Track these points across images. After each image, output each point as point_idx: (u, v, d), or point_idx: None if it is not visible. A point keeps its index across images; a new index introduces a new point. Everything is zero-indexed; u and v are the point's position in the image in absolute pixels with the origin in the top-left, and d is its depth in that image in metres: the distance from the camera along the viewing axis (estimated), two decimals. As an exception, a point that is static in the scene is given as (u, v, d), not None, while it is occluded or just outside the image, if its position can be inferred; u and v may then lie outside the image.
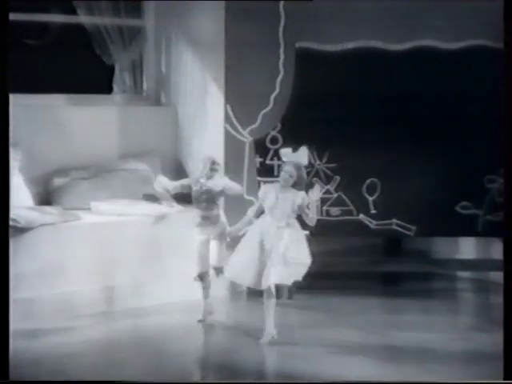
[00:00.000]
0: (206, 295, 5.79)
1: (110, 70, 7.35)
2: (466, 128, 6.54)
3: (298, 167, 5.32)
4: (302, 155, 5.37)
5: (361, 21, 6.51)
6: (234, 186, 5.77)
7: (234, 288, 6.62)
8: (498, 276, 6.96)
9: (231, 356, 5.15)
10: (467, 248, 7.33)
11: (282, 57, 6.50)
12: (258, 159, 6.60)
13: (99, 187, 6.72)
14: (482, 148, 6.53)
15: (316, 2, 6.45)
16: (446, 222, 6.59)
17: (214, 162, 5.72)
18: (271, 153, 6.60)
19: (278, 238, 5.27)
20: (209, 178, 5.71)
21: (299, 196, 5.30)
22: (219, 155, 6.61)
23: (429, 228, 6.65)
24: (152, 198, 6.65)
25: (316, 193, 5.33)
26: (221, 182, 5.73)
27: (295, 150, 5.38)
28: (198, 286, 5.82)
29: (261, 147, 6.59)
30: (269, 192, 5.38)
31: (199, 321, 5.77)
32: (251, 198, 6.52)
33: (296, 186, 5.33)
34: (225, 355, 5.20)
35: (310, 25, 6.50)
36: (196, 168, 7.28)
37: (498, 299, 6.70)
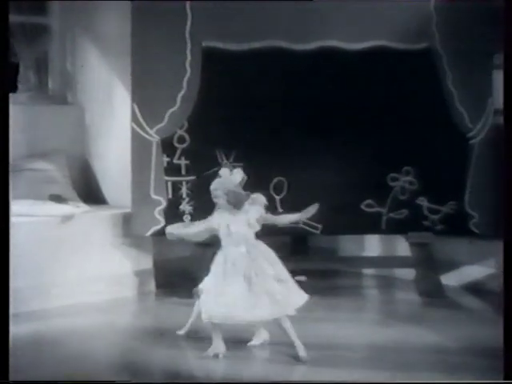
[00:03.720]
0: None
1: (15, 68, 7.24)
2: (370, 127, 6.63)
3: (225, 190, 5.10)
4: (231, 177, 5.21)
5: (267, 20, 6.54)
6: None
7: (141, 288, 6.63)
8: (401, 272, 7.13)
9: (138, 356, 5.14)
10: (372, 245, 7.46)
11: (188, 56, 6.49)
12: (166, 158, 6.58)
13: (4, 187, 6.62)
14: (385, 147, 6.64)
15: (222, 2, 6.46)
16: (352, 220, 6.68)
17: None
18: (178, 152, 6.59)
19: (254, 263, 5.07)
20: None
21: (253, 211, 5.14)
22: (126, 154, 6.60)
23: (335, 226, 6.73)
24: (58, 198, 6.58)
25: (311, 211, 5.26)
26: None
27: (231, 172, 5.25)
28: (102, 287, 5.78)
29: (168, 146, 6.57)
30: (220, 220, 5.12)
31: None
32: (158, 198, 6.51)
33: (235, 205, 5.11)
34: (131, 356, 5.19)
35: (216, 24, 6.51)
36: (103, 167, 7.28)
37: (402, 295, 6.89)
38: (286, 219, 5.39)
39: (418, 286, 6.75)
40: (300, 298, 5.17)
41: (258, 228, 5.14)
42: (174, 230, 5.35)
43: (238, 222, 5.08)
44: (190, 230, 5.31)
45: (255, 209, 5.15)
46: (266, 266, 5.12)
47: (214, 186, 5.13)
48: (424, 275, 6.72)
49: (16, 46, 7.11)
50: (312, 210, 5.32)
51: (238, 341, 5.26)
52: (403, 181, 6.70)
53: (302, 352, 5.08)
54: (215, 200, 5.12)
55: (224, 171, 5.23)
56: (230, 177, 5.19)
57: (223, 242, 5.10)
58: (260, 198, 5.24)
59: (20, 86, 7.29)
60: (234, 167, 6.52)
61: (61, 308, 6.06)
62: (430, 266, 6.72)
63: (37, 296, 6.10)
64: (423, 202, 6.70)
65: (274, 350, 5.25)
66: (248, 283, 5.01)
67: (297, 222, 5.38)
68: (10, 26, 6.98)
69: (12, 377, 4.62)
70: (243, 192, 5.17)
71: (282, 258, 6.99)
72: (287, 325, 5.12)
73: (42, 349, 5.30)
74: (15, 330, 5.51)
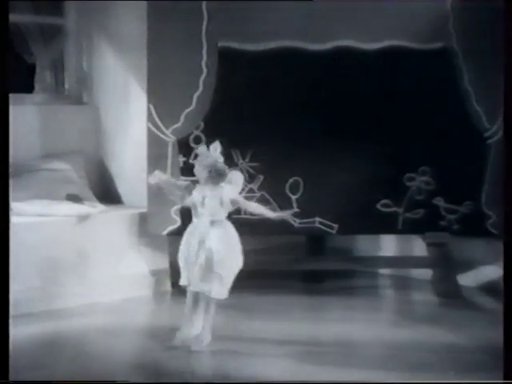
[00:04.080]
0: None
1: (31, 69, 7.26)
2: (386, 127, 6.62)
3: (206, 165, 5.18)
4: (214, 150, 5.30)
5: (283, 20, 6.54)
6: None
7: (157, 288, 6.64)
8: (418, 273, 7.11)
9: (155, 357, 5.14)
10: (388, 245, 7.44)
11: (204, 56, 6.50)
12: (182, 159, 6.59)
13: (20, 187, 6.62)
14: (401, 146, 6.62)
15: (238, 2, 6.46)
16: (368, 219, 6.66)
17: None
18: (194, 152, 6.60)
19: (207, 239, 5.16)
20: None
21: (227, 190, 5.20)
22: (142, 155, 6.61)
23: (351, 226, 6.72)
24: (74, 198, 6.59)
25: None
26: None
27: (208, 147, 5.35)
28: (118, 286, 5.79)
29: (184, 147, 6.58)
30: (198, 192, 5.23)
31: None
32: (174, 198, 6.52)
33: (215, 179, 5.19)
34: (148, 356, 5.19)
35: (232, 24, 6.51)
36: (119, 167, 7.29)
37: (418, 296, 6.87)
38: (257, 209, 5.39)
39: (434, 286, 6.73)
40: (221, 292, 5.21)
41: (230, 208, 5.22)
42: (160, 175, 5.40)
43: (213, 198, 5.16)
44: (172, 181, 5.50)
45: (231, 188, 5.22)
46: (221, 248, 5.14)
47: (196, 165, 5.24)
48: (441, 275, 6.70)
49: (32, 46, 7.13)
50: (287, 213, 5.50)
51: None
52: (420, 181, 6.68)
53: (205, 341, 5.16)
54: (198, 178, 5.23)
55: (201, 148, 5.28)
56: (208, 152, 5.22)
57: (196, 214, 5.20)
58: (236, 177, 5.29)
59: (36, 86, 7.31)
60: (251, 167, 6.57)
61: (77, 308, 6.07)
62: (446, 266, 6.70)
63: (53, 296, 6.11)
64: (440, 201, 6.67)
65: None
66: (206, 257, 5.11)
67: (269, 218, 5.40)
68: (27, 26, 7.07)
69: (31, 376, 4.66)
70: (223, 166, 5.22)
71: (298, 259, 7.07)
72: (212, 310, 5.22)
73: (59, 348, 5.31)
74: (32, 329, 5.57)
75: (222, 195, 5.17)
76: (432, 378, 4.69)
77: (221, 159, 5.21)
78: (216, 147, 5.23)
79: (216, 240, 5.15)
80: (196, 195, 5.21)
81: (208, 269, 5.14)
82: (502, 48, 4.32)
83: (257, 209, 5.42)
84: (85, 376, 4.70)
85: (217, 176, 5.18)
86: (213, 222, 5.17)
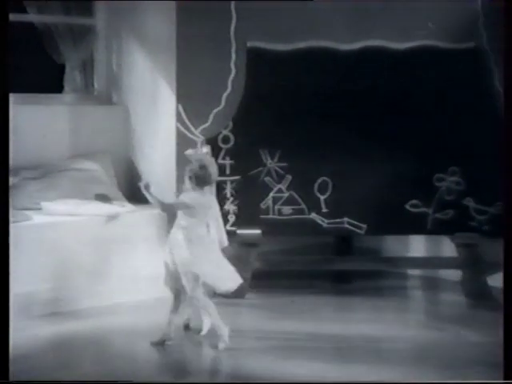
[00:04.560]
0: None
1: (61, 69, 7.30)
2: (416, 127, 6.59)
3: (201, 165, 5.25)
4: (204, 153, 5.34)
5: (312, 20, 6.53)
6: None
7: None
8: (447, 273, 7.07)
9: (182, 355, 5.15)
10: (417, 246, 7.40)
11: (233, 56, 6.50)
12: (210, 158, 6.59)
13: (50, 187, 6.67)
14: (431, 147, 6.60)
15: (267, 2, 6.46)
16: (397, 220, 6.64)
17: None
18: (223, 152, 6.61)
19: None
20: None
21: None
22: (171, 154, 6.62)
23: (380, 226, 6.70)
24: (103, 197, 6.62)
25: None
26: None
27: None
28: (146, 286, 5.80)
29: (213, 146, 6.56)
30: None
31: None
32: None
33: (204, 184, 5.25)
34: (175, 355, 5.20)
35: (261, 24, 6.51)
36: (148, 167, 7.31)
37: (447, 296, 6.83)
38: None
39: (464, 287, 6.69)
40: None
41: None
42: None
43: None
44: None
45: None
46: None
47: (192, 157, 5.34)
48: (470, 276, 6.66)
49: (62, 46, 7.16)
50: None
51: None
52: (449, 181, 6.65)
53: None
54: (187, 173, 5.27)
55: (188, 152, 5.39)
56: (195, 156, 5.32)
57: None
58: None
59: (66, 86, 7.34)
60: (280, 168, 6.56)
61: (104, 307, 6.08)
62: (476, 267, 6.65)
63: (82, 295, 6.13)
64: (470, 202, 6.63)
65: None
66: None
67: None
68: (57, 26, 7.11)
69: (58, 375, 4.68)
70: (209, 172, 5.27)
71: (326, 259, 7.06)
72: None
73: (87, 347, 5.33)
74: (59, 328, 5.60)
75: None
76: (459, 378, 4.67)
77: (204, 163, 5.25)
78: (202, 151, 5.31)
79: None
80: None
81: None
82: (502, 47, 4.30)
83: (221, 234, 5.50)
84: (107, 376, 4.71)
85: (199, 183, 5.23)
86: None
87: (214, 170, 5.31)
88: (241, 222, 6.57)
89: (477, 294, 6.58)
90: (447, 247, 6.94)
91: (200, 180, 5.23)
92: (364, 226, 6.67)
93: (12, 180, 6.64)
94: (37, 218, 6.20)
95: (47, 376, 4.66)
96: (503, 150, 4.23)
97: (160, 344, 5.28)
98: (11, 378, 4.12)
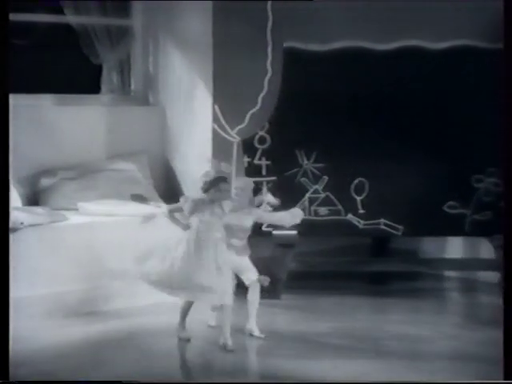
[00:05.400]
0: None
1: (98, 70, 7.33)
2: (454, 128, 6.55)
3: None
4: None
5: (347, 21, 6.51)
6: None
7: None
8: (485, 275, 7.01)
9: (216, 355, 5.15)
10: (455, 247, 7.34)
11: (269, 56, 6.48)
12: (246, 159, 6.60)
13: (87, 187, 6.71)
14: (469, 148, 6.55)
15: (304, 2, 6.45)
16: (434, 221, 6.60)
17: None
18: (259, 152, 6.60)
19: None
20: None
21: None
22: (207, 155, 6.62)
23: (416, 228, 6.66)
24: (140, 198, 6.64)
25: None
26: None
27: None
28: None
29: (249, 147, 6.58)
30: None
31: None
32: (239, 198, 6.52)
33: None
34: (210, 355, 5.20)
35: (297, 24, 6.49)
36: (184, 168, 7.32)
37: (485, 298, 6.77)
38: None
39: (502, 289, 6.62)
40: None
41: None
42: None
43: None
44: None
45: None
46: None
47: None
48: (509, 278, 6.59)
49: (99, 47, 7.20)
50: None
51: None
52: (488, 182, 6.59)
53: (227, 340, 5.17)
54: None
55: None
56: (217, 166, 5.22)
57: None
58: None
59: (103, 87, 7.38)
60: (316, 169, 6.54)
61: (141, 307, 6.10)
62: (514, 269, 6.59)
63: (118, 295, 6.15)
64: (508, 203, 6.56)
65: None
66: None
67: None
68: (95, 28, 7.15)
69: (94, 375, 4.70)
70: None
71: (362, 260, 7.03)
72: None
73: (121, 347, 5.34)
74: (96, 328, 5.62)
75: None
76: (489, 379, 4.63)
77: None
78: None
79: None
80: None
81: None
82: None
83: None
84: (147, 376, 4.72)
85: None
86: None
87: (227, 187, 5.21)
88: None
89: (515, 296, 6.51)
90: (485, 249, 6.89)
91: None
92: (400, 227, 6.64)
93: (50, 180, 6.69)
94: (74, 218, 6.23)
95: (92, 376, 4.68)
96: (504, 151, 4.18)
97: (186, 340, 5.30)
98: (11, 378, 4.13)
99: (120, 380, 4.60)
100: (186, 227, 5.22)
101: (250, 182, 5.60)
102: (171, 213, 5.32)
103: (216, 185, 5.09)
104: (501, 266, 6.62)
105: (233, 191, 5.37)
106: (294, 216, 5.47)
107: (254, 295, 5.41)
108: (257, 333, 5.42)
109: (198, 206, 5.13)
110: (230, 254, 5.23)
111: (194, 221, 5.16)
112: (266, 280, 5.40)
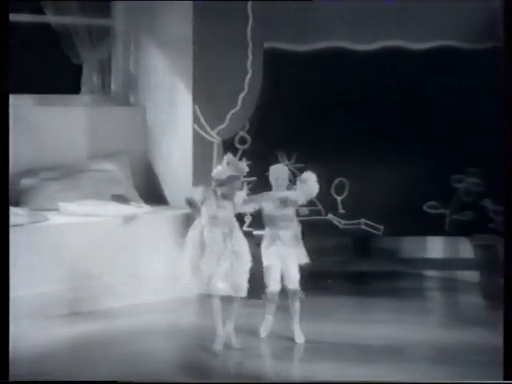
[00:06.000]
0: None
1: (78, 70, 7.32)
2: (434, 128, 6.57)
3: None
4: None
5: (329, 21, 6.52)
6: None
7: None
8: (465, 275, 7.04)
9: (202, 355, 5.15)
10: (435, 247, 7.37)
11: (250, 57, 6.49)
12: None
13: (68, 188, 6.69)
14: (448, 147, 6.57)
15: (284, 2, 6.46)
16: (414, 221, 6.62)
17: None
18: (240, 153, 6.60)
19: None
20: None
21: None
22: (188, 155, 6.63)
23: (397, 227, 6.68)
24: (121, 198, 6.63)
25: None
26: None
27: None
28: (163, 287, 5.82)
29: (229, 147, 6.58)
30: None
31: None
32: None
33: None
34: (196, 355, 5.20)
35: (278, 25, 6.50)
36: (165, 168, 7.32)
37: (465, 298, 6.80)
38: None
39: (482, 288, 6.66)
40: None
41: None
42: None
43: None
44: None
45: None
46: None
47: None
48: (488, 278, 6.63)
49: (80, 47, 7.18)
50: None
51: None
52: (468, 182, 6.62)
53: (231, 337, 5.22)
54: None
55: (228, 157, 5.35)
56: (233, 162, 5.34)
57: None
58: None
59: (83, 87, 7.37)
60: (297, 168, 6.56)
61: (124, 308, 6.10)
62: (494, 268, 6.62)
63: (98, 296, 6.15)
64: (488, 203, 6.60)
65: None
66: None
67: None
68: (76, 28, 7.13)
69: (78, 375, 4.69)
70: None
71: (343, 260, 7.04)
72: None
73: (106, 348, 5.34)
74: (79, 329, 5.61)
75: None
76: (478, 379, 4.65)
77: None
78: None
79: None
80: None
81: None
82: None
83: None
84: (133, 375, 4.72)
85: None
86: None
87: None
88: (257, 222, 6.55)
89: (495, 294, 6.54)
90: (465, 249, 6.92)
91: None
92: (381, 227, 6.66)
93: (30, 181, 6.67)
94: (54, 219, 6.22)
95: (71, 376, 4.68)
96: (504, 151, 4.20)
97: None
98: (11, 378, 4.12)
99: (115, 380, 4.61)
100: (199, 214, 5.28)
101: (285, 170, 5.60)
102: (188, 201, 5.33)
103: (231, 182, 5.19)
104: (480, 266, 6.71)
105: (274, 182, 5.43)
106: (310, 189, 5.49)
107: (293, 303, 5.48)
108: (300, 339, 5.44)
109: (208, 196, 5.21)
110: (276, 246, 5.41)
111: (204, 215, 5.21)
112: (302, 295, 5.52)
